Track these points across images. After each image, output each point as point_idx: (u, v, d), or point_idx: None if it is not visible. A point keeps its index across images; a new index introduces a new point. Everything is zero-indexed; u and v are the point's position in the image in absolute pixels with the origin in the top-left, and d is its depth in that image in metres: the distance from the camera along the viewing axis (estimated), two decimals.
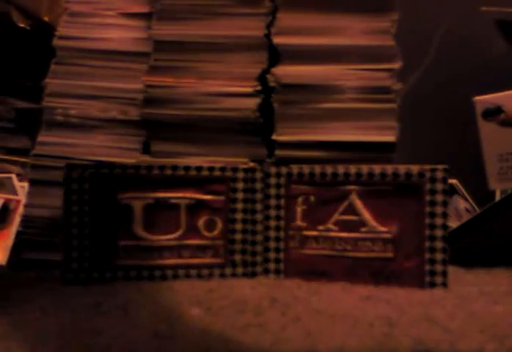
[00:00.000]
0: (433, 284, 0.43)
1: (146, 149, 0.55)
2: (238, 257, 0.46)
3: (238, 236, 0.47)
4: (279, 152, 0.53)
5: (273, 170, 0.47)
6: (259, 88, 0.53)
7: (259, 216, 0.47)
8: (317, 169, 0.46)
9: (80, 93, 0.55)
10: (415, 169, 0.44)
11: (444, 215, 0.43)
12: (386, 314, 0.33)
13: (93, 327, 0.31)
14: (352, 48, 0.54)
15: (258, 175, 0.47)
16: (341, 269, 0.45)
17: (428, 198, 0.43)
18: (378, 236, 0.44)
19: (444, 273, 0.43)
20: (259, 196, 0.47)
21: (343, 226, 0.45)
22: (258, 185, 0.47)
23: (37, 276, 0.46)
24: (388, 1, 0.55)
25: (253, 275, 0.46)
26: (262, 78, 0.54)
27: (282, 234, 0.46)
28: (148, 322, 0.32)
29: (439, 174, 0.43)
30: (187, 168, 0.46)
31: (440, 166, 0.43)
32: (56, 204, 0.50)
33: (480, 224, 0.52)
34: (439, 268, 0.43)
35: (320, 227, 0.46)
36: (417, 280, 0.43)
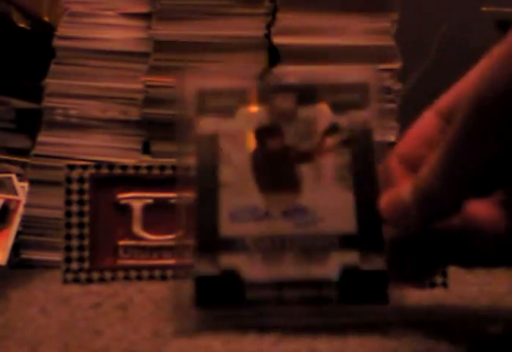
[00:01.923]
0: (433, 284, 0.43)
1: (146, 149, 0.55)
2: None
3: None
4: None
5: None
6: None
7: None
8: None
9: (80, 93, 0.55)
10: None
11: None
12: (385, 315, 0.33)
13: (93, 327, 0.31)
14: (352, 48, 0.54)
15: None
16: None
17: None
18: None
19: (444, 273, 0.43)
20: None
21: None
22: None
23: (37, 276, 0.46)
24: (388, 1, 0.55)
25: None
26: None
27: None
28: (148, 322, 0.32)
29: None
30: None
31: None
32: (56, 204, 0.50)
33: None
34: None
35: None
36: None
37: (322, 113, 0.33)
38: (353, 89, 0.34)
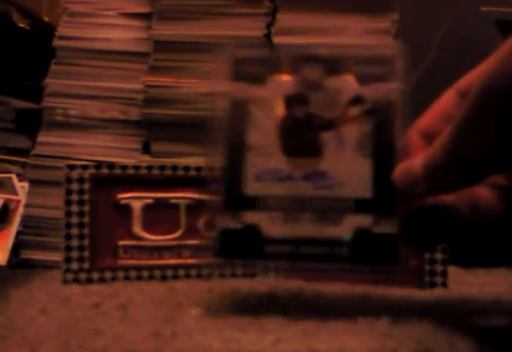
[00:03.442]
0: (433, 284, 0.43)
1: (146, 149, 0.55)
2: None
3: None
4: None
5: None
6: None
7: None
8: None
9: (80, 93, 0.55)
10: None
11: None
12: (386, 314, 0.33)
13: (93, 327, 0.31)
14: (352, 48, 0.54)
15: None
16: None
17: None
18: None
19: (444, 273, 0.43)
20: None
21: None
22: None
23: (37, 276, 0.46)
24: (388, 1, 0.55)
25: (253, 275, 0.46)
26: None
27: None
28: (148, 322, 0.32)
29: None
30: (187, 168, 0.46)
31: None
32: (56, 204, 0.50)
33: None
34: (439, 268, 0.43)
35: None
36: (416, 280, 0.43)
37: (348, 84, 0.35)
38: (379, 62, 0.35)
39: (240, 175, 0.35)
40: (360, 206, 0.33)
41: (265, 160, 0.35)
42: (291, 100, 0.35)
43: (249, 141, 0.35)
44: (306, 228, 0.34)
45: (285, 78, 0.36)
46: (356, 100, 0.35)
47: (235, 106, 0.35)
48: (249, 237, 0.34)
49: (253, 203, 0.34)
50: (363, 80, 0.35)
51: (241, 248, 0.34)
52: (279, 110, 0.35)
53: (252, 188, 0.34)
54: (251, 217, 0.34)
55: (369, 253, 0.33)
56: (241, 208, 0.34)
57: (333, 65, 0.35)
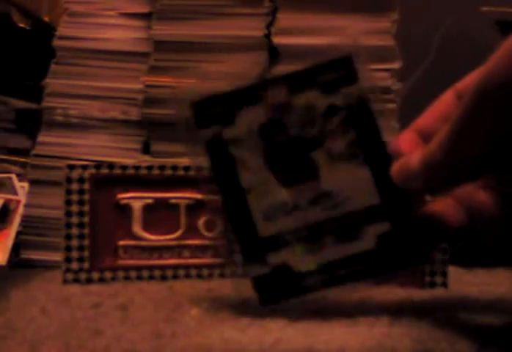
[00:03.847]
0: (433, 284, 0.43)
1: (146, 149, 0.55)
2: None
3: None
4: None
5: None
6: None
7: None
8: None
9: (80, 93, 0.55)
10: None
11: None
12: (386, 314, 0.33)
13: (93, 327, 0.31)
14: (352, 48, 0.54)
15: None
16: None
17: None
18: None
19: (444, 273, 0.43)
20: None
21: None
22: None
23: (37, 276, 0.46)
24: (388, 1, 0.55)
25: None
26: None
27: None
28: (148, 322, 0.32)
29: None
30: (187, 168, 0.46)
31: None
32: (56, 204, 0.50)
33: None
34: (439, 268, 0.43)
35: None
36: (417, 280, 0.43)
37: (315, 97, 0.34)
38: (338, 66, 0.34)
39: (249, 219, 0.33)
40: (374, 213, 0.33)
41: (267, 198, 0.34)
42: (267, 130, 0.34)
43: (245, 184, 0.34)
44: (332, 251, 0.33)
45: (252, 108, 0.34)
46: (330, 111, 0.34)
47: (214, 151, 0.34)
48: (282, 277, 0.33)
49: (272, 243, 0.33)
50: (329, 88, 0.34)
51: (279, 290, 0.33)
52: (260, 143, 0.34)
53: (265, 228, 0.33)
54: (276, 257, 0.33)
55: (400, 257, 0.33)
56: (263, 251, 0.33)
57: (294, 82, 0.34)
